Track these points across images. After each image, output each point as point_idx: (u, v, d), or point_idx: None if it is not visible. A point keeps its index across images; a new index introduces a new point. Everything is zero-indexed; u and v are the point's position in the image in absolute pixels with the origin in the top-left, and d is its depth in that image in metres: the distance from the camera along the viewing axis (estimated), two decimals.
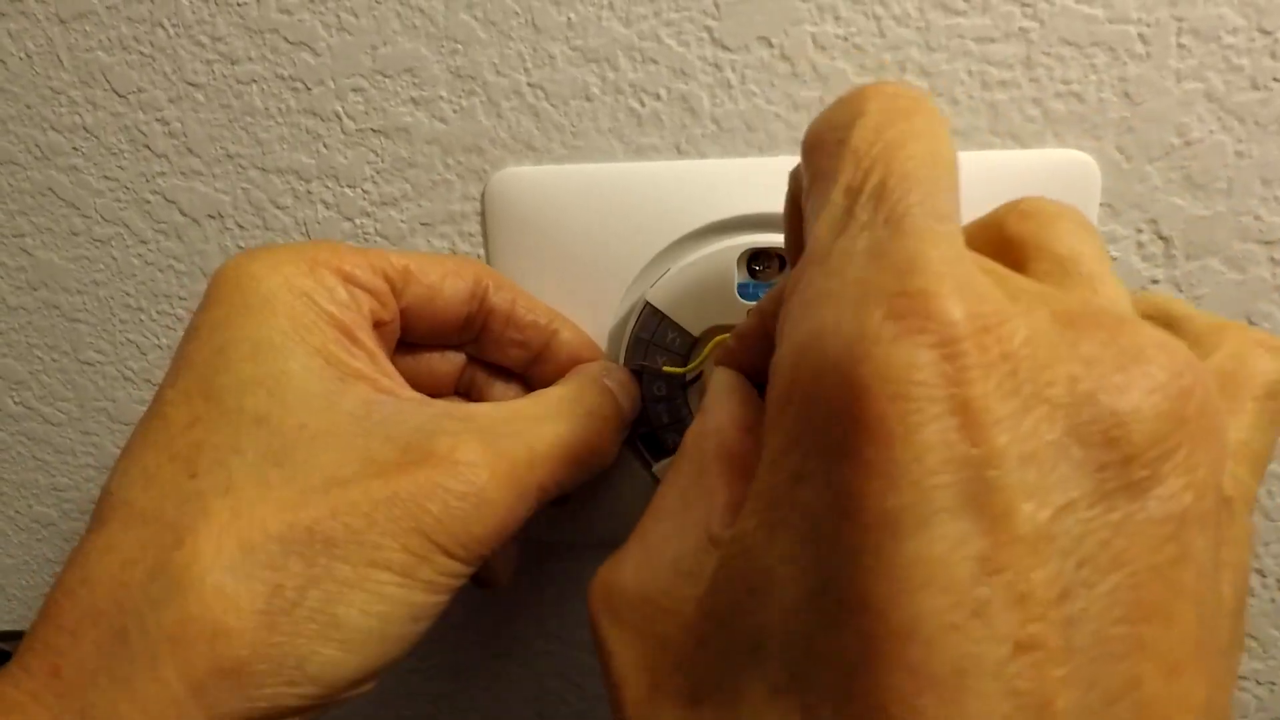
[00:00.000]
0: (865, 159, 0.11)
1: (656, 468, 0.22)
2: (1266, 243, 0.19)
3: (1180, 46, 0.18)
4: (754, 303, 0.20)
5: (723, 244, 0.20)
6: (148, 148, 0.25)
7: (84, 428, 0.29)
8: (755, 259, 0.21)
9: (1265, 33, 0.18)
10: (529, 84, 0.22)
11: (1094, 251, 0.12)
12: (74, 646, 0.14)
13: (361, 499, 0.15)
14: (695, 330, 0.21)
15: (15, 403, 0.29)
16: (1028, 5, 0.19)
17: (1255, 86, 0.18)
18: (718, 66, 0.21)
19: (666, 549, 0.12)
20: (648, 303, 0.21)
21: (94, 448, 0.29)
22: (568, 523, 0.25)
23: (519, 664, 0.28)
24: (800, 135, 0.21)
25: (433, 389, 0.22)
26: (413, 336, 0.20)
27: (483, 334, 0.21)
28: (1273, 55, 0.18)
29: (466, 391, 0.22)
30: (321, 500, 0.15)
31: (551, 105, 0.22)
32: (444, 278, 0.19)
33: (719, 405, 0.15)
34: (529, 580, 0.27)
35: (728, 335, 0.18)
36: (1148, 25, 0.18)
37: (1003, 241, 0.13)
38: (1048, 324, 0.09)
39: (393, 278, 0.19)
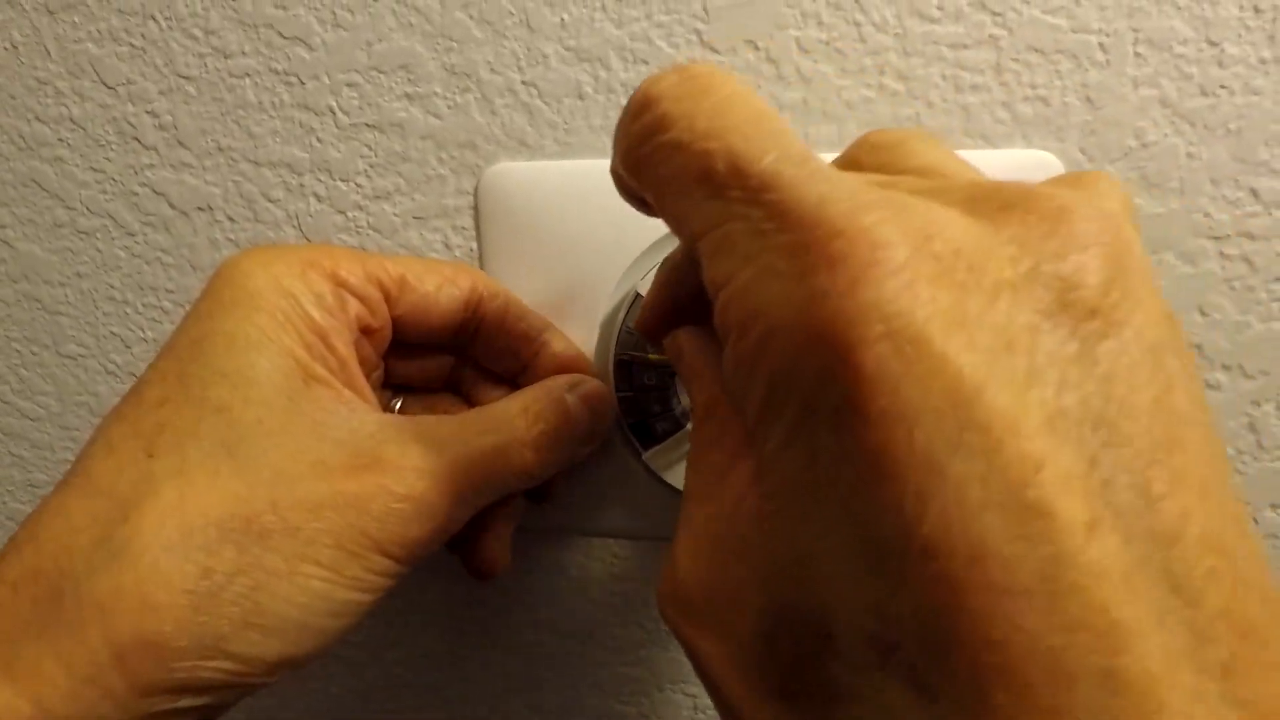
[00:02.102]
0: (696, 147, 0.11)
1: (646, 455, 0.23)
2: (1215, 238, 0.21)
3: (1137, 55, 0.20)
4: None
5: None
6: (137, 140, 0.25)
7: (64, 422, 0.28)
8: None
9: (1213, 44, 0.20)
10: (523, 82, 0.22)
11: (949, 157, 0.13)
12: (12, 599, 0.15)
13: (305, 497, 0.15)
14: None
15: None
16: (997, 14, 0.20)
17: (1204, 93, 0.20)
18: None
19: (710, 531, 0.12)
20: (638, 294, 0.21)
21: (73, 442, 0.28)
22: (559, 511, 0.25)
23: (509, 654, 0.28)
24: None
25: (425, 385, 0.22)
26: (406, 340, 0.20)
27: (474, 340, 0.21)
28: (1220, 64, 0.20)
29: (457, 389, 0.23)
30: (265, 494, 0.15)
31: (545, 103, 0.22)
32: (440, 287, 0.20)
33: (708, 370, 0.14)
34: (520, 569, 0.27)
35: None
36: (1107, 35, 0.20)
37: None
38: (965, 218, 0.09)
39: (387, 286, 0.19)
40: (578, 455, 0.20)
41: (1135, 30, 0.20)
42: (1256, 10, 0.19)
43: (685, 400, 0.22)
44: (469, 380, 0.22)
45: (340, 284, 0.18)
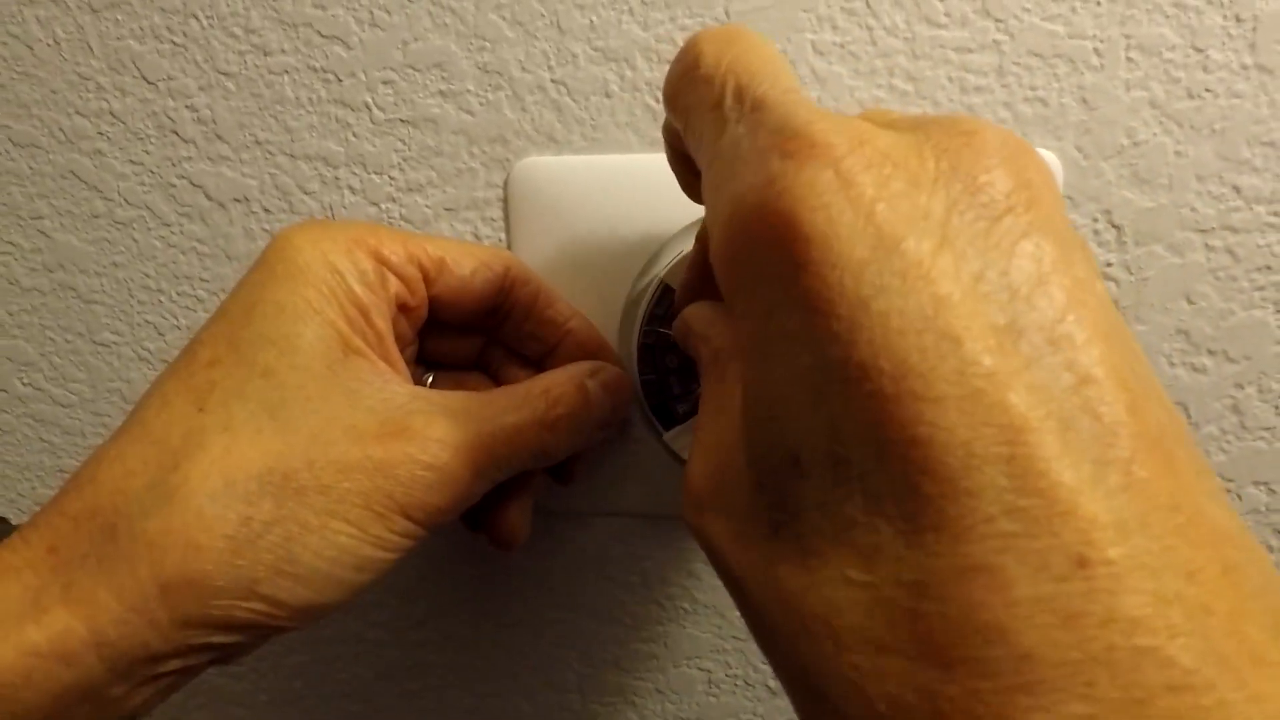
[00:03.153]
0: (717, 79, 0.13)
1: (667, 436, 0.24)
2: (1201, 231, 0.22)
3: (1129, 60, 0.21)
4: None
5: None
6: (175, 133, 0.26)
7: (95, 409, 0.29)
8: None
9: (1198, 50, 0.21)
10: (552, 80, 0.23)
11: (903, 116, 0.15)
12: (73, 531, 0.16)
13: (338, 459, 0.17)
14: None
15: (24, 384, 0.29)
16: (1000, 20, 0.22)
17: (1191, 96, 0.21)
18: None
19: (712, 441, 0.13)
20: (663, 282, 0.23)
21: (104, 428, 0.29)
22: (580, 492, 0.26)
23: (529, 632, 0.29)
24: None
25: (456, 363, 0.24)
26: (441, 319, 0.21)
27: (505, 323, 0.22)
28: (1205, 69, 0.21)
29: (486, 368, 0.24)
30: (302, 453, 0.17)
31: (573, 100, 0.24)
32: (475, 271, 0.21)
33: (712, 329, 0.16)
34: (540, 549, 0.28)
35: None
36: (1101, 41, 0.21)
37: None
38: (896, 133, 0.11)
39: (426, 266, 0.20)
40: (595, 439, 0.22)
41: (1127, 37, 0.21)
42: (1238, 20, 0.21)
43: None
44: (497, 360, 0.23)
45: (383, 262, 0.19)
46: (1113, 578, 0.09)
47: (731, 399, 0.13)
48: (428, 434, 0.17)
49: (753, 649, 0.28)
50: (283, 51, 0.24)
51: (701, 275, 0.19)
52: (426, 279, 0.20)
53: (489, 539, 0.22)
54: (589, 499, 0.26)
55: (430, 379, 0.23)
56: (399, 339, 0.20)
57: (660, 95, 0.23)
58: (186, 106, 0.25)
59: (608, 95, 0.23)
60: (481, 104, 0.24)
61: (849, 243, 0.10)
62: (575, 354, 0.23)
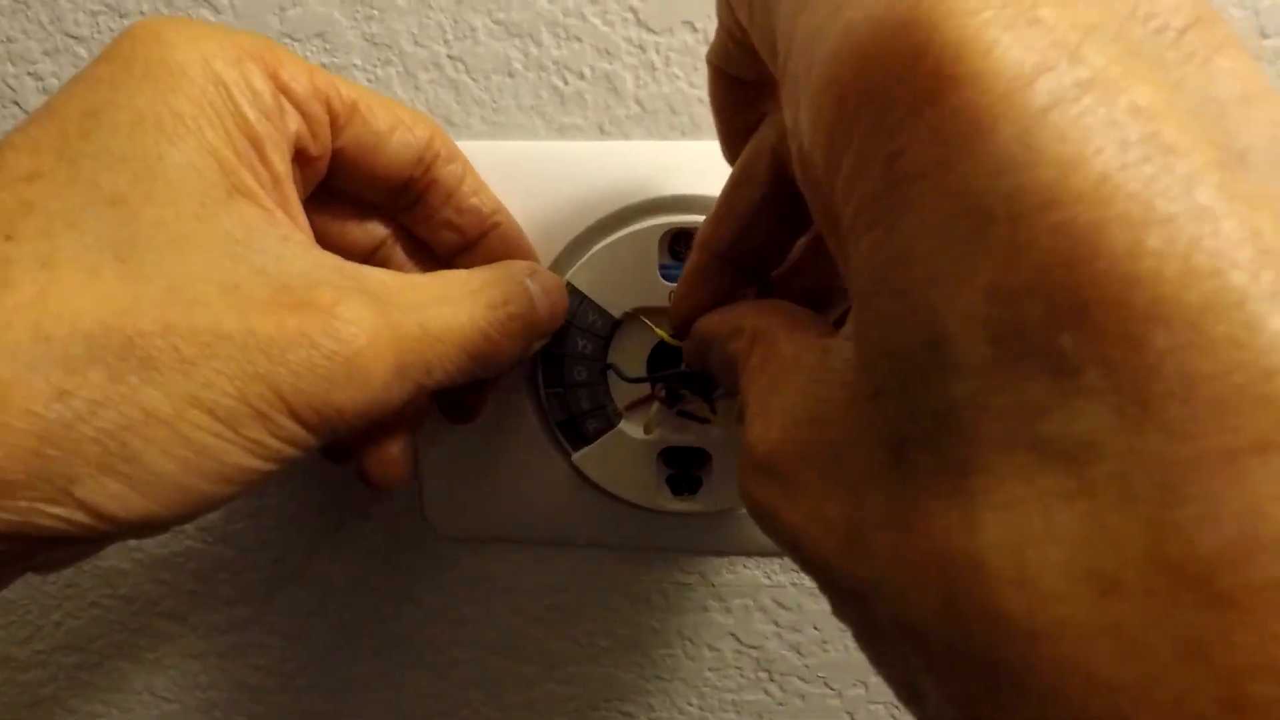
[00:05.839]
0: None
1: (576, 457, 0.22)
2: None
3: None
4: (674, 284, 0.20)
5: (644, 225, 0.20)
6: (16, 104, 0.22)
7: None
8: (677, 240, 0.20)
9: None
10: (449, 56, 0.21)
11: None
12: None
13: (206, 325, 0.13)
14: (616, 311, 0.20)
15: None
16: None
17: None
18: (642, 48, 0.20)
19: (777, 400, 0.11)
20: (568, 283, 0.20)
21: None
22: (482, 517, 0.23)
23: (432, 675, 0.26)
24: None
25: (345, 253, 0.20)
26: (339, 185, 0.17)
27: (417, 205, 0.18)
28: None
29: (382, 265, 0.20)
30: (156, 313, 0.12)
31: (472, 79, 0.21)
32: (394, 129, 0.17)
33: (739, 318, 0.14)
34: (441, 581, 0.25)
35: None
36: None
37: None
38: None
39: (335, 108, 0.16)
40: (527, 353, 0.18)
41: None
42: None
43: (618, 398, 0.21)
44: (397, 261, 0.19)
45: (282, 88, 0.15)
46: None
47: (795, 362, 0.11)
48: (336, 311, 0.13)
49: (678, 689, 0.26)
50: (141, 13, 0.21)
51: (703, 282, 0.17)
52: (334, 124, 0.16)
53: (361, 475, 0.18)
54: (493, 525, 0.24)
55: None
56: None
57: (566, 76, 0.21)
58: (29, 74, 0.22)
59: (510, 74, 0.21)
60: (370, 81, 0.21)
61: (1010, 49, 0.08)
62: (499, 254, 0.19)
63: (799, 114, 0.10)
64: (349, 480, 0.25)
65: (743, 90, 0.15)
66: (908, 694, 0.09)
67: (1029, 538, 0.07)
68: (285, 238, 0.14)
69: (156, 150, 0.13)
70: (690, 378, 0.20)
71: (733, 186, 0.16)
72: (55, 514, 0.12)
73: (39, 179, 0.13)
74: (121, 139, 0.13)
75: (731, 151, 0.16)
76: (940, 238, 0.08)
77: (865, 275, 0.09)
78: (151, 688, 0.27)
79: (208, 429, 0.13)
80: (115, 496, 0.12)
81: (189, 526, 0.25)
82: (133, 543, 0.25)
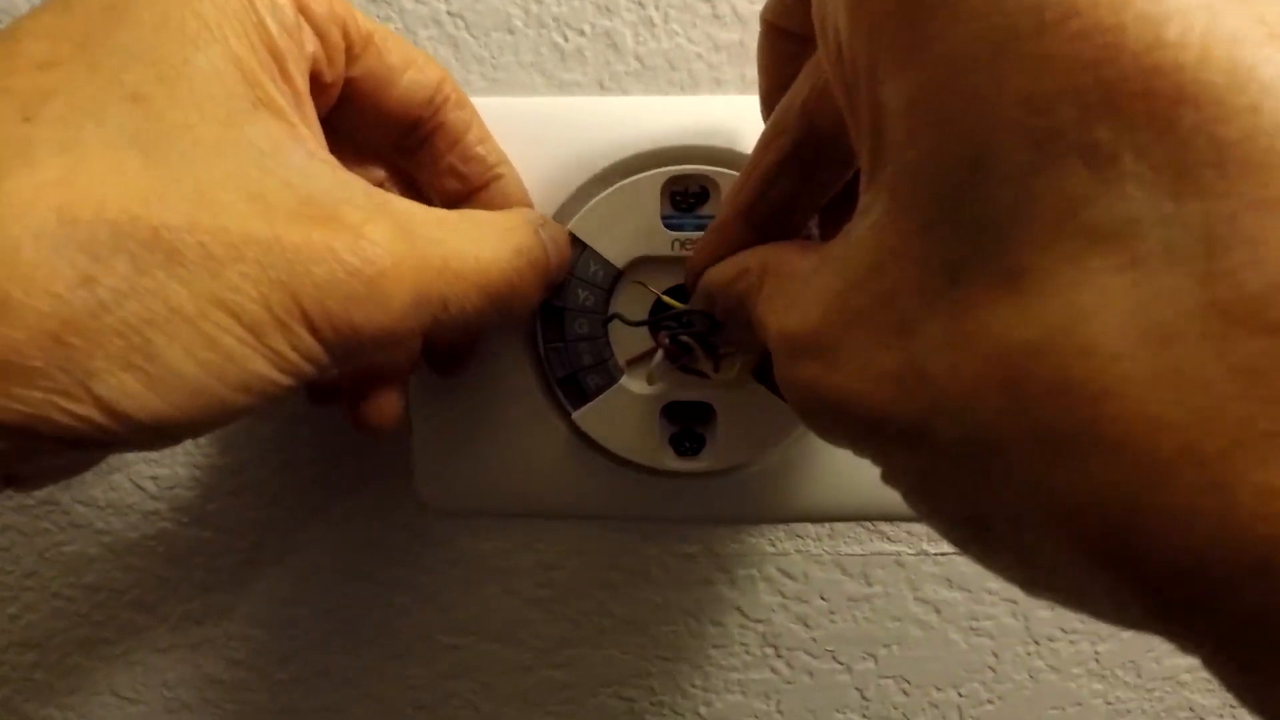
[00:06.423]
0: None
1: (576, 415, 0.21)
2: None
3: None
4: (678, 233, 0.20)
5: (646, 174, 0.20)
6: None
7: None
8: (679, 191, 0.20)
9: None
10: (449, 12, 0.21)
11: None
12: None
13: (235, 227, 0.12)
14: (619, 262, 0.20)
15: None
16: None
17: None
18: (641, 4, 0.21)
19: (803, 290, 0.12)
20: (570, 232, 0.20)
21: None
22: (477, 489, 0.23)
23: (419, 663, 0.25)
24: (721, 76, 0.22)
25: None
26: (345, 120, 0.17)
27: (422, 149, 0.18)
28: None
29: None
30: (184, 207, 0.12)
31: (472, 36, 0.21)
32: (407, 66, 0.17)
33: (746, 257, 0.14)
34: (429, 561, 0.24)
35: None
36: None
37: None
38: None
39: (352, 36, 0.16)
40: (530, 303, 0.18)
41: None
42: None
43: (619, 354, 0.21)
44: None
45: (302, 7, 0.15)
46: None
47: (818, 264, 0.12)
48: (363, 230, 0.13)
49: (681, 670, 0.25)
50: None
51: (724, 241, 0.17)
52: (349, 54, 0.16)
53: (350, 418, 0.18)
54: (486, 496, 0.23)
55: None
56: None
57: (566, 32, 0.21)
58: None
59: (510, 31, 0.21)
60: None
61: None
62: (499, 206, 0.19)
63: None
64: (336, 458, 0.24)
65: (793, 46, 0.15)
66: (969, 531, 0.09)
67: (1086, 312, 0.08)
68: (311, 154, 0.14)
69: (181, 53, 0.13)
70: (695, 320, 0.20)
71: (764, 140, 0.16)
72: (70, 409, 0.11)
73: (57, 67, 0.12)
74: (145, 37, 0.13)
75: (770, 111, 0.16)
76: (970, 60, 0.09)
77: (901, 119, 0.09)
78: (114, 687, 0.25)
79: (231, 332, 0.12)
80: (133, 395, 0.12)
81: (163, 506, 0.24)
82: (100, 525, 0.24)
